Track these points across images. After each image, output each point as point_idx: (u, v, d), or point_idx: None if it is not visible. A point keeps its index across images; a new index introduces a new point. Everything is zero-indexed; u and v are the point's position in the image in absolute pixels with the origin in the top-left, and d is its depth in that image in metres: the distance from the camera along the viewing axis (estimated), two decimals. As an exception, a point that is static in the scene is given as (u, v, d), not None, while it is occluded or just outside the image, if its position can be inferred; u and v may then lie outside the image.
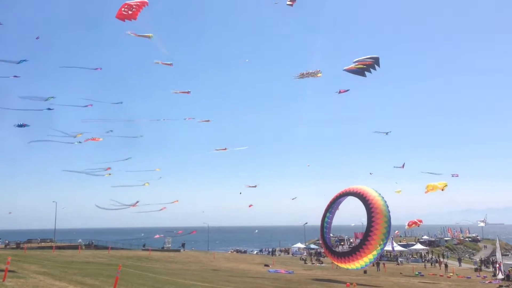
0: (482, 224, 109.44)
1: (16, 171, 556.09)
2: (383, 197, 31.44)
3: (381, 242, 29.52)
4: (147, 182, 37.21)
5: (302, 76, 27.91)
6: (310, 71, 28.08)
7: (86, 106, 31.60)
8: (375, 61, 27.60)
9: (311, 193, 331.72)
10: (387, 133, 44.31)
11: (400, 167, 46.62)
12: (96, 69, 32.70)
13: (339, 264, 32.08)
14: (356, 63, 27.91)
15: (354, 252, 31.23)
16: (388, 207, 30.78)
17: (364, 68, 27.49)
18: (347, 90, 28.20)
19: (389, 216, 30.30)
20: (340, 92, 28.43)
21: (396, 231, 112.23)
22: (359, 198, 32.40)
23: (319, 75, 27.98)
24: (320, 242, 38.57)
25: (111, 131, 31.43)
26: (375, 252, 29.65)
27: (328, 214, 35.77)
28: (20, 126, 28.27)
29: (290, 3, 24.32)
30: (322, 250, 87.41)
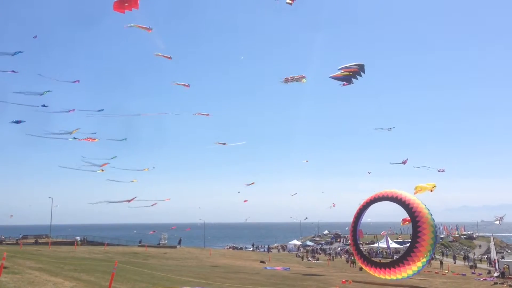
0: (498, 223, 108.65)
1: (12, 167, 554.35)
2: (425, 204, 29.35)
3: (428, 253, 28.27)
4: (134, 179, 39.96)
5: (287, 81, 27.58)
6: (295, 76, 27.76)
7: (74, 81, 32.06)
8: (360, 68, 27.44)
9: (308, 189, 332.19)
10: (390, 129, 43.38)
11: (401, 163, 45.91)
12: (75, 82, 32.67)
13: (379, 275, 30.32)
14: (342, 70, 27.74)
15: (399, 262, 29.28)
16: (431, 215, 28.88)
17: (350, 75, 27.39)
18: (350, 84, 27.96)
19: (435, 224, 28.72)
20: (344, 85, 28.21)
21: (389, 229, 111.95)
22: (398, 204, 30.20)
23: (303, 80, 27.65)
24: (354, 253, 35.60)
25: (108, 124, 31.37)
26: (422, 261, 28.13)
27: (358, 221, 33.36)
28: (16, 122, 28.02)
29: (290, 1, 23.99)
30: (318, 247, 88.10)
